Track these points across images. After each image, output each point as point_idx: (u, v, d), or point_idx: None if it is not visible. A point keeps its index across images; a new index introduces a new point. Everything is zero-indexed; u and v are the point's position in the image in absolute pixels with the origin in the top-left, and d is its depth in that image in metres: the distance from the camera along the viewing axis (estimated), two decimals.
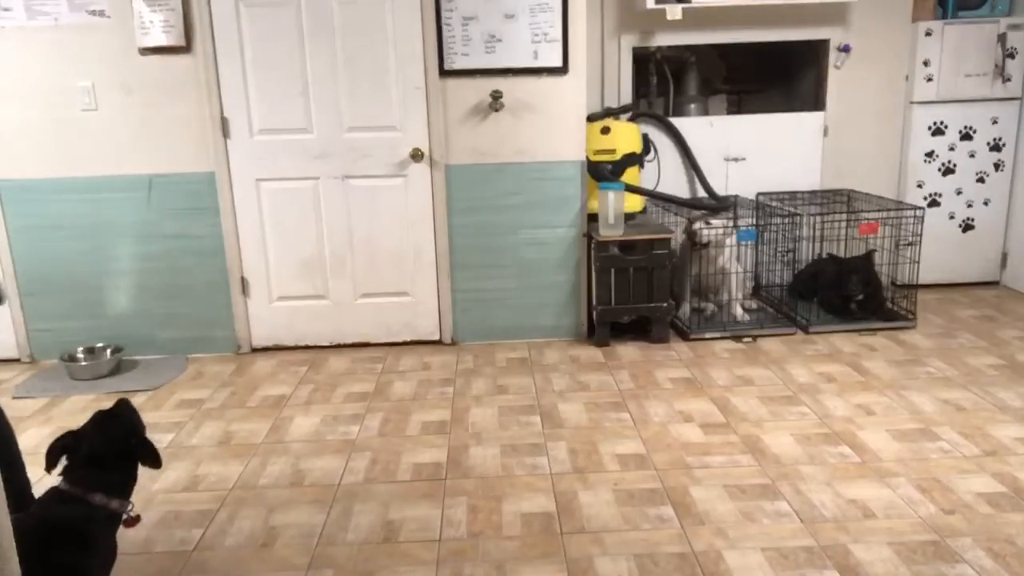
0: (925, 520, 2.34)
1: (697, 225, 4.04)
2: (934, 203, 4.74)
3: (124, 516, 1.85)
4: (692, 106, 4.83)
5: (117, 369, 3.86)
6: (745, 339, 4.01)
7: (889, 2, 4.56)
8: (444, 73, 3.82)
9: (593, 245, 3.97)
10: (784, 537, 2.28)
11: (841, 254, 4.58)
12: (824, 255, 4.43)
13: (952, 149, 4.66)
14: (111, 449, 1.84)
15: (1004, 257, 4.82)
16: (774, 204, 4.54)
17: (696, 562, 2.17)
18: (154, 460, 1.92)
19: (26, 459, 2.93)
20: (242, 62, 3.78)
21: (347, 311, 4.10)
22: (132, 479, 1.91)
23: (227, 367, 3.90)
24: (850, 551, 2.20)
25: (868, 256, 4.14)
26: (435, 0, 3.73)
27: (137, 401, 3.48)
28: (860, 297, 4.13)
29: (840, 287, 4.12)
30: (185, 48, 3.73)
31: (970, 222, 4.77)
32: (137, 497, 2.63)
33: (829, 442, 2.86)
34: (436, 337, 4.15)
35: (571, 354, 3.92)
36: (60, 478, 1.82)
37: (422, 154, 3.89)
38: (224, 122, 3.84)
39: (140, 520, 1.92)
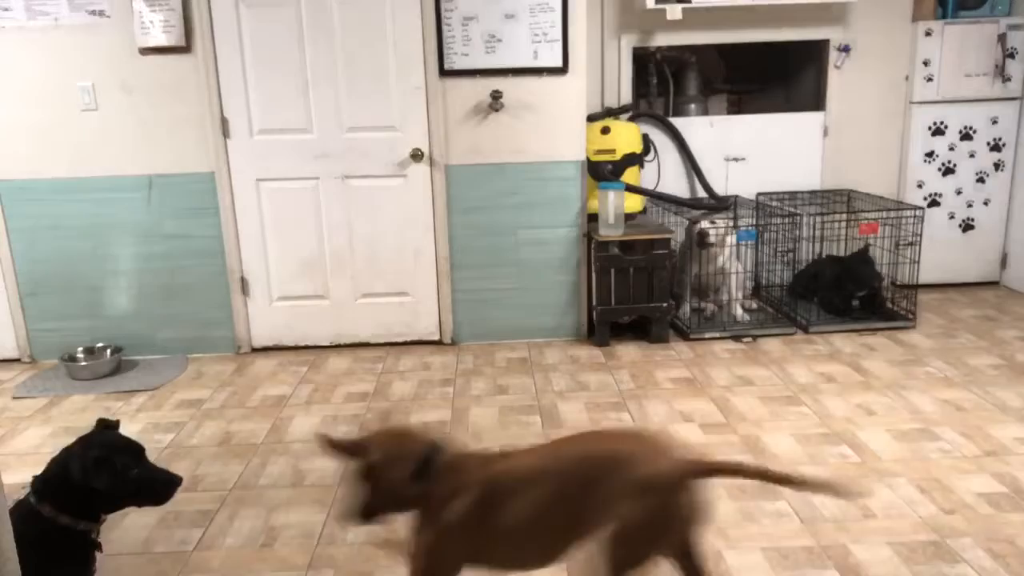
0: (925, 520, 2.34)
1: (705, 224, 4.03)
2: (934, 203, 4.74)
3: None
4: (692, 106, 4.83)
5: (117, 369, 3.86)
6: (745, 339, 4.01)
7: (889, 2, 4.56)
8: (444, 73, 3.82)
9: (593, 245, 3.97)
10: (784, 537, 2.28)
11: (839, 254, 4.58)
12: (824, 256, 4.43)
13: (952, 149, 4.66)
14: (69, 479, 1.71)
15: (1004, 257, 4.82)
16: (774, 204, 4.54)
17: None
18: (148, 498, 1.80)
19: (24, 460, 2.94)
20: (242, 62, 3.78)
21: (347, 311, 4.10)
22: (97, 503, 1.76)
23: (227, 367, 3.90)
24: (850, 551, 2.20)
25: (865, 251, 4.16)
26: (435, 0, 3.73)
27: (137, 401, 3.49)
28: (863, 293, 4.14)
29: (845, 285, 4.13)
30: (185, 48, 3.73)
31: (970, 222, 4.77)
32: None
33: (829, 442, 2.86)
34: (436, 337, 4.15)
35: (571, 354, 3.92)
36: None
37: (422, 154, 3.89)
38: (224, 122, 3.84)
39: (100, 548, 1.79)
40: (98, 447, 1.74)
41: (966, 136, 4.64)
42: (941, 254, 4.78)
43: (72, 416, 3.33)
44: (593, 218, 4.04)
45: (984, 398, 3.21)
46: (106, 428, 1.82)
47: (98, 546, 1.77)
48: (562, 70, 3.84)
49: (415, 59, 3.81)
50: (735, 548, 2.23)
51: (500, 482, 1.61)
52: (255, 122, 3.85)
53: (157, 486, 1.81)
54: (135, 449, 1.80)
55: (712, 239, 4.02)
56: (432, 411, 3.27)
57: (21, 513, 1.68)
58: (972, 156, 4.67)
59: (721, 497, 2.50)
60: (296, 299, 4.07)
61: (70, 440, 1.79)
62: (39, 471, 1.75)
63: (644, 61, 4.79)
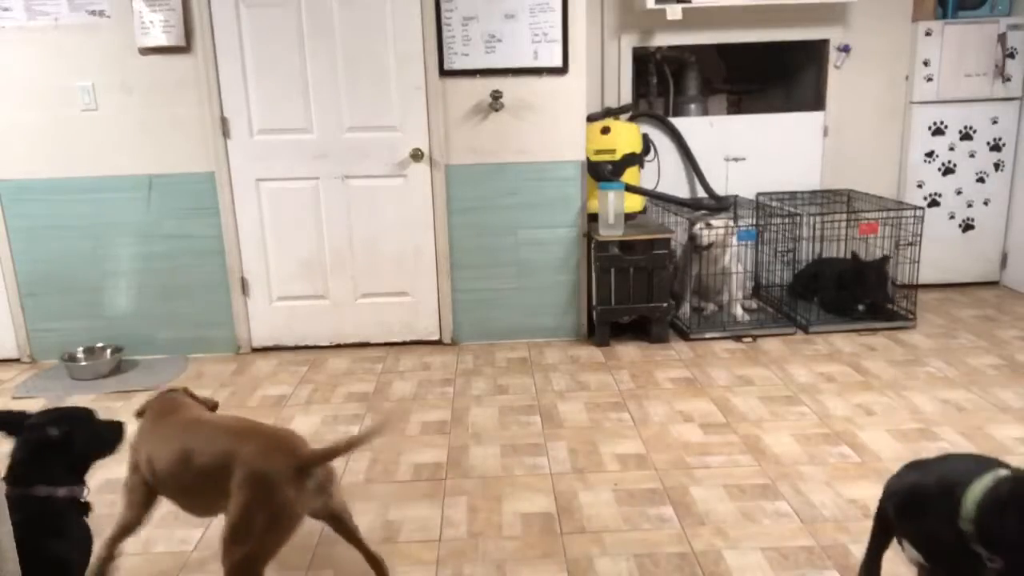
0: None
1: (698, 227, 4.04)
2: (934, 203, 4.74)
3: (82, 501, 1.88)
4: (692, 106, 4.83)
5: (117, 369, 3.86)
6: (745, 339, 4.01)
7: (889, 2, 4.56)
8: (444, 73, 3.82)
9: (593, 245, 3.97)
10: (784, 537, 2.28)
11: (837, 254, 4.59)
12: (848, 254, 4.41)
13: (952, 149, 4.66)
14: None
15: (1004, 257, 4.82)
16: (774, 204, 4.54)
17: (696, 562, 2.17)
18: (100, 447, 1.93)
19: None
20: (242, 62, 3.78)
21: (347, 311, 4.10)
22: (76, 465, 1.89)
23: (227, 367, 3.90)
24: (850, 551, 2.20)
25: (885, 262, 4.14)
26: (435, 0, 3.73)
27: (137, 401, 3.48)
28: (868, 303, 4.14)
29: (857, 290, 4.11)
30: (185, 48, 3.73)
31: (970, 222, 4.77)
32: None
33: (829, 442, 2.87)
34: (436, 337, 4.15)
35: (571, 354, 3.92)
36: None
37: (422, 154, 3.89)
38: (224, 122, 3.84)
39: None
40: (44, 413, 1.89)
41: (966, 136, 4.64)
42: (941, 254, 4.78)
43: None
44: (593, 218, 4.04)
45: (984, 398, 3.21)
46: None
47: (89, 508, 1.88)
48: (562, 70, 3.84)
49: (415, 59, 3.81)
50: (735, 548, 2.23)
51: (161, 429, 1.94)
52: (255, 122, 3.85)
53: (111, 430, 1.96)
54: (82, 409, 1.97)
55: (705, 241, 4.02)
56: (432, 411, 3.28)
57: (17, 508, 1.70)
58: (972, 156, 4.67)
59: (721, 497, 2.51)
60: (296, 299, 4.07)
61: None
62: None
63: (644, 61, 4.80)
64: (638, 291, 3.96)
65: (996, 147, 4.66)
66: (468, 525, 2.40)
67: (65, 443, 1.83)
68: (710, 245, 4.05)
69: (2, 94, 3.76)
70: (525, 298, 4.10)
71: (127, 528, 2.05)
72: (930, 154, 4.68)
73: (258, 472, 1.73)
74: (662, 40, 4.54)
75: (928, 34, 4.50)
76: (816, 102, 4.73)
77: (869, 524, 2.32)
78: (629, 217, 4.12)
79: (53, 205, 3.88)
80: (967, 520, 1.46)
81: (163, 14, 3.67)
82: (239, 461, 1.75)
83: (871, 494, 2.50)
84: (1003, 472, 1.51)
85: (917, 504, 1.59)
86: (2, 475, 1.76)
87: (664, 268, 3.93)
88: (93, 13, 3.69)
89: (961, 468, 1.58)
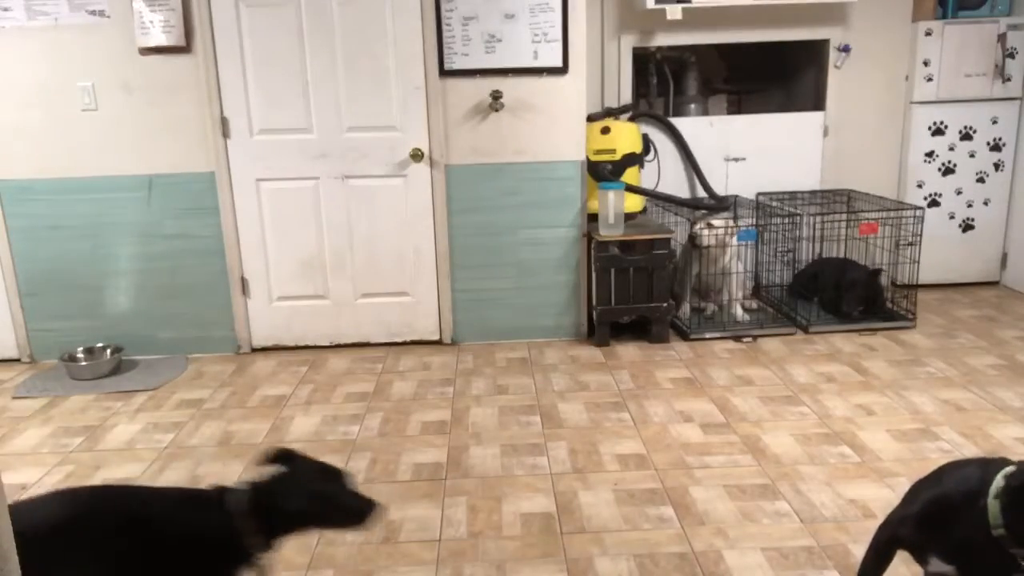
0: None
1: (698, 227, 4.04)
2: (934, 203, 4.74)
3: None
4: (692, 106, 4.83)
5: (117, 369, 3.86)
6: (745, 339, 4.01)
7: (889, 2, 4.56)
8: (444, 73, 3.82)
9: (593, 245, 3.97)
10: (784, 537, 2.28)
11: (840, 255, 4.59)
12: (848, 254, 4.41)
13: (952, 149, 4.66)
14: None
15: (1004, 257, 4.82)
16: (774, 204, 4.54)
17: (696, 562, 2.17)
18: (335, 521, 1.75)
19: (24, 460, 2.94)
20: (242, 62, 3.78)
21: (347, 311, 4.10)
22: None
23: (227, 367, 3.90)
24: (850, 551, 2.20)
25: (878, 274, 4.12)
26: (435, 0, 3.73)
27: (137, 401, 3.49)
28: (862, 308, 4.13)
29: (851, 294, 4.10)
30: (185, 48, 3.73)
31: (970, 222, 4.77)
32: None
33: (829, 442, 2.87)
34: (436, 337, 4.15)
35: (571, 354, 3.92)
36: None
37: (422, 154, 3.89)
38: (224, 122, 3.84)
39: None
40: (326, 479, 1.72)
41: (966, 136, 4.64)
42: (941, 254, 4.78)
43: (72, 416, 3.33)
44: (593, 218, 4.04)
45: (984, 398, 3.21)
46: (289, 457, 1.77)
47: (263, 571, 1.70)
48: (562, 70, 3.84)
49: (415, 59, 3.81)
50: (735, 548, 2.23)
51: None
52: (255, 122, 3.85)
53: (351, 514, 1.74)
54: (336, 476, 1.76)
55: (705, 242, 4.02)
56: (432, 411, 3.28)
57: (213, 512, 1.65)
58: (972, 156, 4.67)
59: (721, 497, 2.51)
60: (296, 299, 4.07)
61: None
62: (123, 473, 1.70)
63: (644, 61, 4.80)
64: (638, 291, 3.96)
65: (996, 147, 4.66)
66: (468, 525, 2.40)
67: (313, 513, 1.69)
68: (710, 246, 4.05)
69: (2, 94, 3.76)
70: (525, 298, 4.10)
71: None
72: (930, 154, 4.68)
73: None
74: (662, 40, 4.54)
75: (928, 34, 4.50)
76: (816, 102, 4.73)
77: (869, 524, 2.33)
78: (629, 217, 4.12)
79: (53, 205, 3.88)
80: (997, 527, 1.48)
81: (163, 14, 3.67)
82: None
83: (871, 494, 2.50)
84: (1009, 469, 1.52)
85: (943, 516, 1.59)
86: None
87: (664, 268, 3.92)
88: (93, 13, 3.69)
89: (970, 474, 1.58)
